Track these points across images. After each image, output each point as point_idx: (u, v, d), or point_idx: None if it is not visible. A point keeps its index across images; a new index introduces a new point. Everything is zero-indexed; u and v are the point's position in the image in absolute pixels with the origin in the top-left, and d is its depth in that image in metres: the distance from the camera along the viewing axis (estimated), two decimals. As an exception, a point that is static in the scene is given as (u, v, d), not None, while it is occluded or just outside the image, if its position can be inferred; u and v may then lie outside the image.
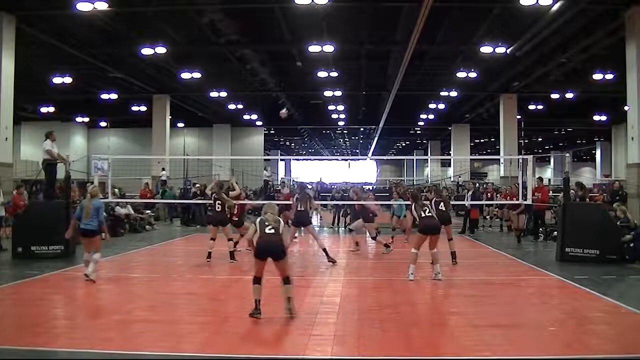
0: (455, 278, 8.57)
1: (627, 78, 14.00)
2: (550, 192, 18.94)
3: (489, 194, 18.38)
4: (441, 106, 26.73)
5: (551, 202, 16.54)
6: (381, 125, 30.74)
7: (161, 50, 16.24)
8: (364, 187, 14.03)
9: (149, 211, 18.21)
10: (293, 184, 31.53)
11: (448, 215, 10.26)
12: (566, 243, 10.27)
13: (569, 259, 10.09)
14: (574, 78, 20.95)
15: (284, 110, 12.35)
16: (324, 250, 10.11)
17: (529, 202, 12.67)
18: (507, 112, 24.73)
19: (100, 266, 9.91)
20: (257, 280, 6.10)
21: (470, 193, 16.79)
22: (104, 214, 14.27)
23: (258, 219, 6.33)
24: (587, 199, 13.01)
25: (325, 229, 17.95)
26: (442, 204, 9.93)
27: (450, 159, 36.74)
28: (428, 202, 9.47)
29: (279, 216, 6.59)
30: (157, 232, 16.78)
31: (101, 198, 9.20)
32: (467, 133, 32.19)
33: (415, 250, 8.35)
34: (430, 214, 8.45)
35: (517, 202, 13.78)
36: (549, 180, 37.40)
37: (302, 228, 10.92)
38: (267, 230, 6.09)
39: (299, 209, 10.25)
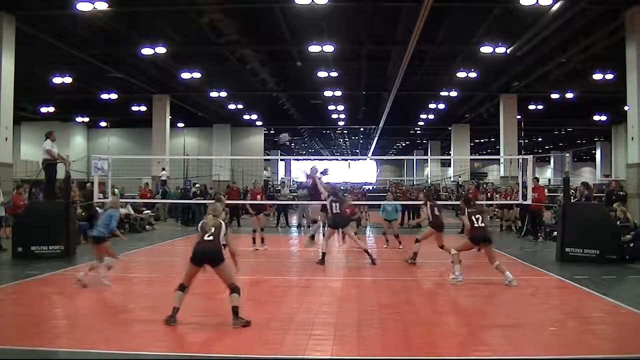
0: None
1: (627, 78, 13.99)
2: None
3: (488, 194, 18.36)
4: (441, 106, 26.72)
5: (549, 202, 16.53)
6: (381, 125, 30.75)
7: (161, 50, 16.24)
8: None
9: (148, 211, 18.21)
10: (294, 183, 31.53)
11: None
12: (566, 243, 10.26)
13: (569, 259, 10.08)
14: (574, 78, 20.94)
15: (284, 135, 11.63)
16: (366, 251, 10.15)
17: (528, 201, 12.67)
18: (507, 112, 24.71)
19: (99, 266, 9.93)
20: (182, 287, 5.96)
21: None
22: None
23: (201, 222, 6.19)
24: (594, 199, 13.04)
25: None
26: (435, 209, 9.89)
27: (450, 159, 36.74)
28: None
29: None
30: (157, 232, 16.78)
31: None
32: (467, 133, 32.17)
33: (455, 251, 8.22)
34: (482, 224, 8.18)
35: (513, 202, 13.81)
36: (549, 180, 37.42)
37: (341, 230, 10.65)
38: (205, 237, 5.97)
39: (335, 211, 10.07)
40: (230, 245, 6.18)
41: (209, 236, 5.98)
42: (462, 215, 8.59)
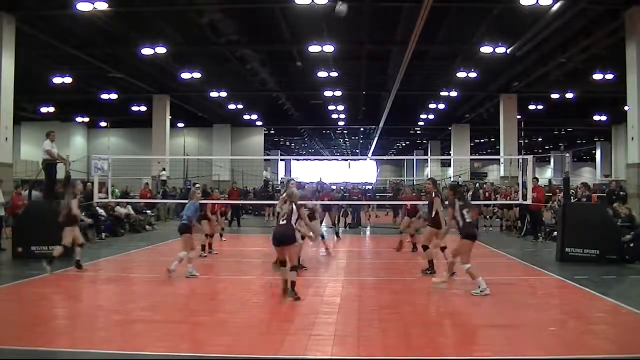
0: (455, 278, 8.55)
1: (627, 78, 14.00)
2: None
3: (487, 194, 18.32)
4: (441, 106, 26.71)
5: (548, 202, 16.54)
6: (381, 125, 30.75)
7: (161, 50, 16.24)
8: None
9: (149, 211, 18.20)
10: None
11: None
12: (566, 243, 10.26)
13: (569, 259, 10.08)
14: (574, 78, 20.93)
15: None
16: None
17: (528, 201, 12.67)
18: (507, 112, 24.72)
19: (100, 266, 9.95)
20: (281, 262, 6.98)
21: (470, 193, 16.79)
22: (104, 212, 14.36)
23: (277, 206, 7.40)
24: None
25: (325, 229, 17.92)
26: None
27: (450, 159, 36.73)
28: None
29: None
30: (157, 232, 16.77)
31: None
32: (467, 133, 32.19)
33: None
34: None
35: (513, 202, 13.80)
36: (549, 180, 37.37)
37: None
38: (280, 221, 6.96)
39: None
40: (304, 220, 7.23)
41: (283, 220, 6.94)
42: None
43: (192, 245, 8.59)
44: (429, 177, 13.14)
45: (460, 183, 23.58)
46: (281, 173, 41.79)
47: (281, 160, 45.34)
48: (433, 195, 8.88)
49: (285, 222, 6.84)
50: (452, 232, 8.10)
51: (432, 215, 8.75)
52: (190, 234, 8.60)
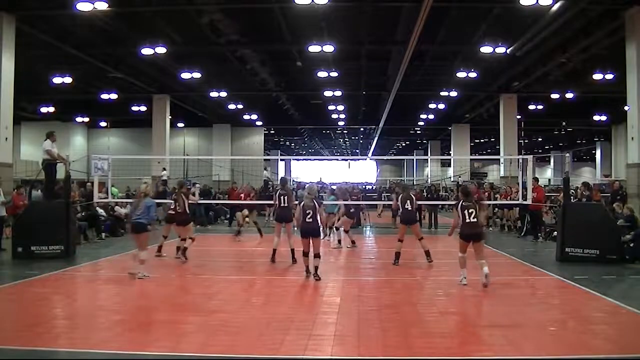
0: (455, 278, 8.55)
1: (627, 78, 14.00)
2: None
3: (486, 194, 18.28)
4: (441, 106, 26.71)
5: (549, 202, 16.54)
6: (381, 125, 30.75)
7: (161, 50, 16.24)
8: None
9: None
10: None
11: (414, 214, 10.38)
12: (566, 243, 10.26)
13: (569, 259, 10.08)
14: (574, 78, 20.93)
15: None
16: (291, 250, 9.80)
17: (528, 201, 12.68)
18: (507, 112, 24.72)
19: (100, 266, 9.96)
20: (305, 254, 8.24)
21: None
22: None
23: (301, 204, 8.22)
24: (595, 200, 13.01)
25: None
26: (407, 201, 10.00)
27: (450, 159, 36.74)
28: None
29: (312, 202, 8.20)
30: (157, 232, 16.72)
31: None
32: (467, 133, 32.19)
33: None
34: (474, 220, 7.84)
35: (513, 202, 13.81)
36: (549, 180, 37.40)
37: (284, 224, 10.24)
38: (307, 219, 8.10)
39: (282, 205, 10.08)
40: (322, 216, 8.61)
41: (309, 218, 8.12)
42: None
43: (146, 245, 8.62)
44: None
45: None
46: (281, 173, 41.75)
47: (281, 160, 45.31)
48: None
49: (311, 219, 8.07)
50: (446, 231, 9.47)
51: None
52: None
